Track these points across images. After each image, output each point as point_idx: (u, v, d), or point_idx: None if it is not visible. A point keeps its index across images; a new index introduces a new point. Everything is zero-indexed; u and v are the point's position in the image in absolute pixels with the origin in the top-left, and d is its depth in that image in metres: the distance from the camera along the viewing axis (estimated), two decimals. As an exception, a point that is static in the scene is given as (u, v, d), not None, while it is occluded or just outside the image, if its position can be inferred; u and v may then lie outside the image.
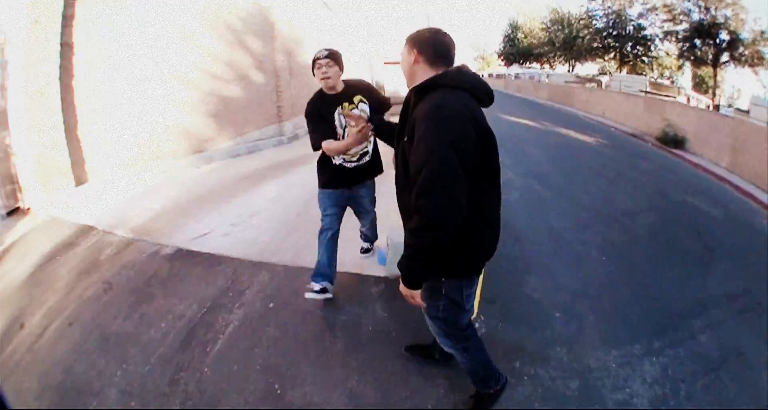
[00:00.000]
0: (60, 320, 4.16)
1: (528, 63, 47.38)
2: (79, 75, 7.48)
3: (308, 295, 3.38)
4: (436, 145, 1.72)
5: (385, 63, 21.51)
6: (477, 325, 3.29)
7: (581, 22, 35.55)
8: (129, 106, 8.16)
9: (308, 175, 7.34)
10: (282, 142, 11.83)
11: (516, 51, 48.94)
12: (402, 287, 1.97)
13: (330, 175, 3.48)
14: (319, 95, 3.32)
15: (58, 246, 5.81)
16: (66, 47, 7.27)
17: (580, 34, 35.56)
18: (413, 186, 1.79)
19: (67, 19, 7.19)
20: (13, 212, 8.90)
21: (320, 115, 3.24)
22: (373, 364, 3.01)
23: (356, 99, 3.31)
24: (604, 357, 3.14)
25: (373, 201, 3.87)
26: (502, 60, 54.18)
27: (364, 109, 3.32)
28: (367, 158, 3.54)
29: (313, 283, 3.39)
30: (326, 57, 3.13)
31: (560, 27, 38.42)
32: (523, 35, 48.05)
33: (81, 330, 3.88)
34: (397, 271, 1.97)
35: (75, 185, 7.52)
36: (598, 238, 5.23)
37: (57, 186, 7.26)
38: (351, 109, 3.25)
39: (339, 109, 3.26)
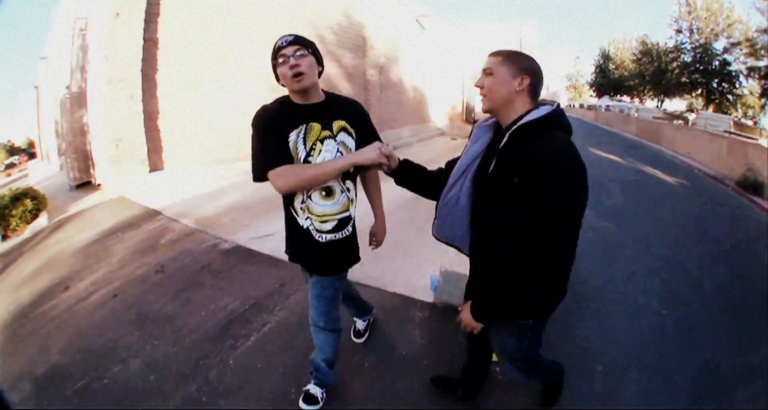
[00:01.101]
0: (105, 290, 4.46)
1: (619, 95, 45.92)
2: (163, 69, 8.06)
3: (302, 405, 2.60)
4: (567, 208, 1.63)
5: (476, 85, 21.50)
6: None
7: (670, 55, 34.54)
8: (216, 106, 8.70)
9: (384, 192, 7.35)
10: None
11: (607, 82, 47.61)
12: (467, 315, 1.88)
13: (295, 244, 2.32)
14: (280, 102, 2.17)
15: (121, 224, 6.20)
16: (150, 42, 7.89)
17: (669, 68, 34.46)
18: (511, 225, 1.69)
19: (150, 16, 7.80)
20: (82, 185, 9.74)
21: (275, 129, 2.08)
22: (393, 389, 2.91)
23: (336, 125, 2.15)
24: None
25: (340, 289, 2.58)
26: (593, 91, 52.89)
27: (344, 141, 2.17)
28: (348, 229, 2.29)
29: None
30: (291, 43, 2.03)
31: (650, 59, 37.24)
32: (614, 66, 46.80)
33: (123, 304, 4.13)
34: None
35: (149, 171, 7.99)
36: (662, 289, 4.89)
37: (132, 169, 7.77)
38: (320, 137, 2.11)
39: (303, 127, 2.09)
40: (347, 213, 2.24)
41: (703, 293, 4.78)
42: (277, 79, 2.11)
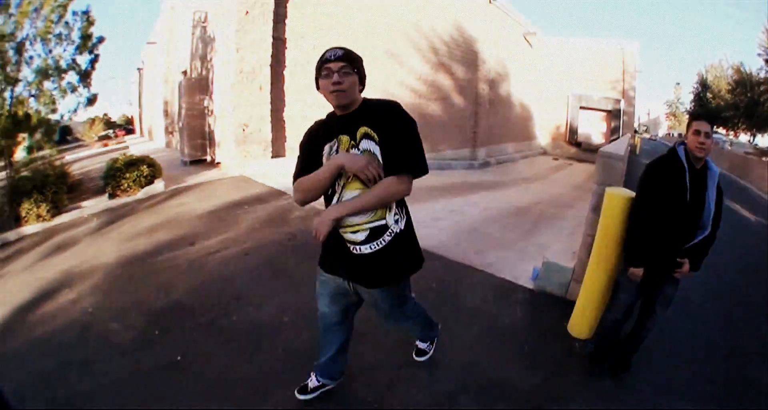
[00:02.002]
0: (236, 248, 5.20)
1: (714, 126, 42.95)
2: (290, 67, 8.99)
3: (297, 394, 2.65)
4: None
5: (581, 107, 21.29)
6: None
7: (761, 86, 30.86)
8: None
9: (488, 200, 8.29)
10: (473, 166, 12.45)
11: (705, 112, 44.79)
12: (686, 268, 2.78)
13: (325, 247, 2.24)
14: (327, 116, 2.19)
15: (248, 198, 7.16)
16: (278, 41, 8.90)
17: (761, 100, 30.90)
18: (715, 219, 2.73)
19: (278, 16, 8.77)
20: (195, 162, 10.68)
21: (311, 144, 2.17)
22: (494, 350, 3.30)
23: (359, 132, 2.04)
24: None
25: (400, 301, 2.38)
26: None
27: (368, 148, 2.03)
28: (384, 239, 2.09)
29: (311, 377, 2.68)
30: (339, 58, 2.00)
31: (744, 89, 33.61)
32: (711, 95, 44.13)
33: (255, 261, 4.81)
34: (542, 286, 3.18)
35: (271, 157, 8.80)
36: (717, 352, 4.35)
37: (255, 153, 8.66)
38: (349, 146, 2.06)
39: (336, 140, 2.09)
40: (382, 222, 2.06)
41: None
42: (318, 88, 2.08)
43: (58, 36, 8.35)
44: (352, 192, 2.02)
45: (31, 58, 8.24)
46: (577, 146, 21.32)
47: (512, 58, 16.44)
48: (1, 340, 3.83)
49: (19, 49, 7.96)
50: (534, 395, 2.78)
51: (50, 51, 8.38)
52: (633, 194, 2.99)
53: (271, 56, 8.72)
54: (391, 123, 2.03)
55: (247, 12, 8.45)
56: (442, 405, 2.65)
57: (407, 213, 2.18)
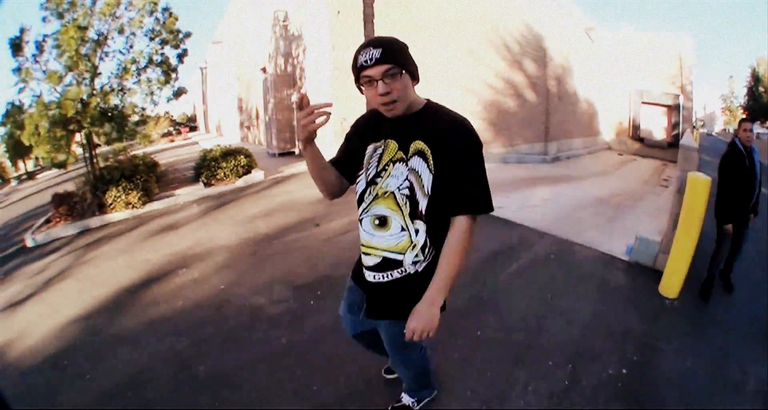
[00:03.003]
0: None
1: (761, 122, 40.17)
2: None
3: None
4: None
5: (642, 102, 21.20)
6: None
7: None
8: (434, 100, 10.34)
9: (571, 191, 8.92)
10: (545, 160, 12.88)
11: (758, 107, 41.91)
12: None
13: (357, 265, 2.04)
14: (378, 113, 1.81)
15: None
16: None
17: None
18: None
19: (367, 17, 9.46)
20: (285, 154, 11.55)
21: (357, 134, 1.95)
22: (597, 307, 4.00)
23: (414, 146, 1.71)
24: None
25: (402, 344, 1.92)
26: (746, 115, 47.11)
27: (417, 169, 1.70)
28: (393, 274, 1.80)
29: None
30: (379, 61, 1.57)
31: None
32: (763, 89, 41.34)
33: None
34: (636, 258, 4.52)
35: None
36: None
37: None
38: (395, 158, 1.75)
39: (382, 143, 1.80)
40: (399, 257, 1.74)
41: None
42: (361, 92, 1.71)
43: (151, 30, 9.01)
44: (380, 207, 1.74)
45: (120, 51, 8.93)
46: (639, 141, 21.22)
47: (575, 53, 16.67)
48: (111, 322, 4.05)
49: (100, 43, 8.54)
50: (648, 336, 3.54)
51: (131, 46, 9.00)
52: (709, 178, 3.95)
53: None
54: (454, 146, 1.66)
55: (339, 12, 9.27)
56: (580, 344, 3.35)
57: (436, 256, 1.71)
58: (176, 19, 9.22)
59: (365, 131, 1.90)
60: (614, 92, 21.07)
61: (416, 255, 1.74)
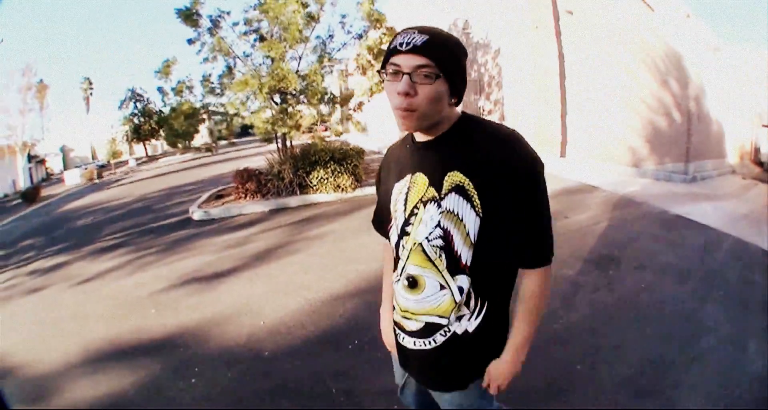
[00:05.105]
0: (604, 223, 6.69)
1: None
2: (570, 78, 10.46)
3: None
4: None
5: (763, 125, 20.65)
6: None
7: None
8: (607, 114, 11.32)
9: (721, 206, 8.95)
10: (685, 180, 12.96)
11: None
12: None
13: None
14: (402, 141, 1.51)
15: (565, 190, 8.85)
16: (558, 55, 10.35)
17: None
18: None
19: (556, 31, 10.24)
20: None
21: (382, 181, 1.59)
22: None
23: (449, 180, 1.26)
24: None
25: None
26: None
27: (455, 211, 1.26)
28: (436, 339, 1.41)
29: None
30: (416, 50, 1.15)
31: None
32: None
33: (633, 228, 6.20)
34: None
35: (559, 156, 10.48)
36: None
37: (547, 151, 10.21)
38: (425, 198, 1.32)
39: (408, 179, 1.38)
40: (441, 320, 1.36)
41: None
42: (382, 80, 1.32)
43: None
44: (415, 266, 1.34)
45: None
46: (760, 166, 20.68)
47: (706, 74, 16.71)
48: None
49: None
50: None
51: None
52: None
53: (558, 67, 10.57)
54: (509, 175, 1.19)
55: (536, 27, 10.36)
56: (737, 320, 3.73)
57: (492, 310, 1.36)
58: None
59: (389, 166, 1.50)
60: (738, 114, 20.63)
61: (458, 309, 1.32)
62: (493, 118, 11.96)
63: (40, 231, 11.16)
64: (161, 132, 35.87)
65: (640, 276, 4.75)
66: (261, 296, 4.87)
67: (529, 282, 1.31)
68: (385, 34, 9.41)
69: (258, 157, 13.49)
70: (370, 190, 8.78)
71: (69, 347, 4.19)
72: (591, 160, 10.88)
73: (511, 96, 11.59)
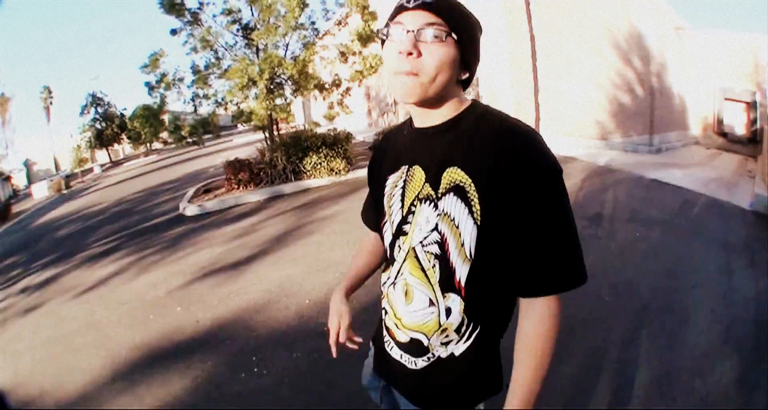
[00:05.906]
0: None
1: None
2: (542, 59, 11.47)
3: None
4: None
5: (725, 99, 21.78)
6: None
7: None
8: (579, 93, 12.17)
9: (689, 172, 9.50)
10: (651, 151, 13.90)
11: None
12: None
13: (378, 329, 1.42)
14: (400, 127, 1.28)
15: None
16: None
17: None
18: None
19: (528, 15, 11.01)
20: None
21: (376, 168, 1.33)
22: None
23: (447, 177, 1.03)
24: None
25: None
26: None
27: (450, 214, 1.02)
28: (419, 363, 1.18)
29: None
30: (427, 6, 0.95)
31: None
32: None
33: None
34: (758, 209, 5.33)
35: None
36: None
37: None
38: (421, 195, 1.09)
39: (405, 171, 1.15)
40: (426, 340, 1.14)
41: None
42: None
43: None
44: (413, 277, 1.12)
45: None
46: (723, 136, 21.83)
47: (668, 51, 17.59)
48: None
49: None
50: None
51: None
52: None
53: (530, 49, 11.34)
54: (518, 178, 0.94)
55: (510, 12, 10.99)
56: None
57: (484, 335, 1.12)
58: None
59: (381, 161, 1.30)
60: (699, 89, 21.70)
61: (446, 335, 1.12)
62: (468, 97, 12.73)
63: (21, 247, 10.51)
64: (123, 136, 35.16)
65: (632, 228, 5.34)
66: (295, 277, 4.82)
67: (541, 314, 1.02)
68: (367, 21, 9.52)
69: (227, 152, 13.63)
70: (363, 173, 8.62)
71: (92, 362, 3.76)
72: (564, 136, 11.52)
73: (486, 78, 12.21)
